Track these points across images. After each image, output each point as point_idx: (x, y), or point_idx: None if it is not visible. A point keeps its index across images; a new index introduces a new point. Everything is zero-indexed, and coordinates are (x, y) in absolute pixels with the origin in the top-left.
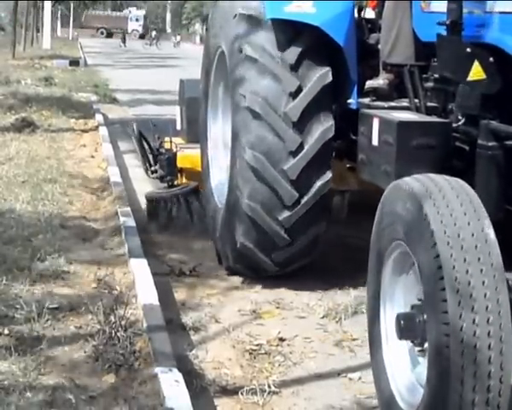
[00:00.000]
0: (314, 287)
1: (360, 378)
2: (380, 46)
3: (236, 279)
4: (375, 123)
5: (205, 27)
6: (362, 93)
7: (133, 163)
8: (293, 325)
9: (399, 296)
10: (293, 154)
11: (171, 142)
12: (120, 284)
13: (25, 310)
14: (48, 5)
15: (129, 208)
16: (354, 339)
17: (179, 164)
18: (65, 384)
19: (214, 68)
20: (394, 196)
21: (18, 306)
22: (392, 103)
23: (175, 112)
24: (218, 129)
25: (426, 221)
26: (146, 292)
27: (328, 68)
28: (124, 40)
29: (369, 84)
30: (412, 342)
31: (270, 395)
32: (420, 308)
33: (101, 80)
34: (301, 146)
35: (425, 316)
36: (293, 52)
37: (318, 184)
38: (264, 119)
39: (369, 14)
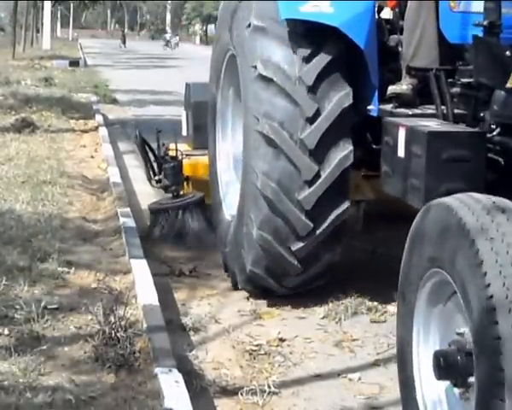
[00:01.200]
0: (314, 287)
1: (360, 379)
2: (401, 49)
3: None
4: (402, 133)
5: (205, 28)
6: (382, 99)
7: (133, 164)
8: (293, 325)
9: (435, 329)
10: (309, 183)
11: (176, 149)
12: (120, 284)
13: (25, 310)
14: (48, 5)
15: (129, 209)
16: (354, 339)
17: (185, 172)
18: (65, 385)
19: (224, 71)
20: (432, 219)
21: (18, 306)
22: (417, 110)
23: (175, 112)
24: (228, 137)
25: (473, 248)
26: (146, 292)
27: (348, 89)
28: (124, 41)
29: (391, 89)
30: (453, 383)
31: (270, 395)
32: (463, 344)
33: (101, 81)
34: (318, 175)
35: (471, 353)
36: (311, 71)
37: (334, 214)
38: (278, 145)
39: (386, 14)
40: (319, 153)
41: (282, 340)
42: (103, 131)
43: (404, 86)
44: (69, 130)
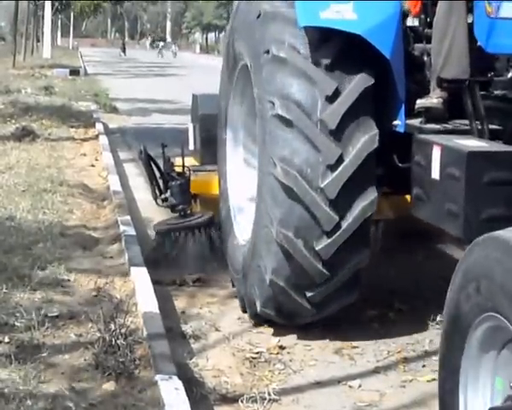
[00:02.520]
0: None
1: (360, 386)
2: (427, 58)
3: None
4: (436, 152)
5: (205, 36)
6: (409, 113)
7: (133, 172)
8: (292, 332)
9: (486, 379)
10: (332, 168)
11: (183, 165)
12: (120, 292)
13: (25, 318)
14: (48, 14)
15: (129, 217)
16: (354, 347)
17: (193, 190)
18: (65, 392)
19: (235, 84)
20: (485, 256)
21: (18, 314)
22: (449, 126)
23: (175, 121)
24: (239, 153)
25: None
26: (146, 300)
27: (375, 131)
28: (123, 49)
29: (420, 103)
30: None
31: (270, 402)
32: None
33: (101, 89)
34: (341, 158)
35: None
36: (328, 51)
37: (361, 204)
38: (296, 127)
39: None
40: (341, 134)
41: (282, 347)
42: (103, 139)
43: (434, 100)
44: (69, 138)
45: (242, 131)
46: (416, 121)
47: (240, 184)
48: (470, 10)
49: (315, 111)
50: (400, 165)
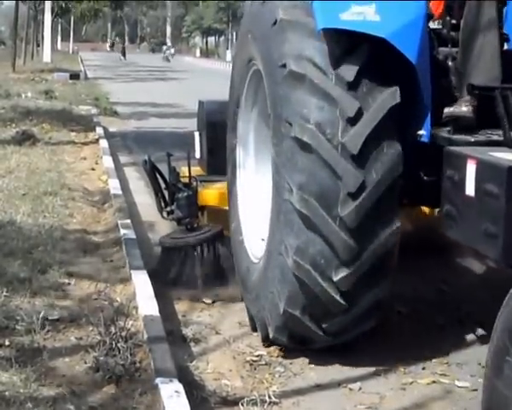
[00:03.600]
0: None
1: (360, 389)
2: (452, 63)
3: (237, 291)
4: (471, 166)
5: (205, 40)
6: (435, 123)
7: (133, 175)
8: None
9: None
10: (353, 196)
11: (189, 175)
12: (121, 295)
13: (25, 321)
14: (48, 19)
15: (129, 220)
16: (354, 350)
17: (201, 202)
18: (65, 395)
19: (246, 90)
20: None
21: (19, 317)
22: (480, 136)
23: (176, 124)
24: (250, 161)
25: None
26: (146, 303)
27: (395, 87)
28: (124, 53)
29: (448, 111)
30: None
31: (271, 405)
32: None
33: (101, 93)
34: (363, 185)
35: None
36: (351, 66)
37: (384, 234)
38: (315, 151)
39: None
40: (364, 159)
41: (282, 350)
42: (104, 143)
43: (463, 108)
44: (70, 142)
45: (253, 139)
46: (442, 131)
47: (251, 195)
48: (501, 11)
49: (335, 134)
50: (425, 178)
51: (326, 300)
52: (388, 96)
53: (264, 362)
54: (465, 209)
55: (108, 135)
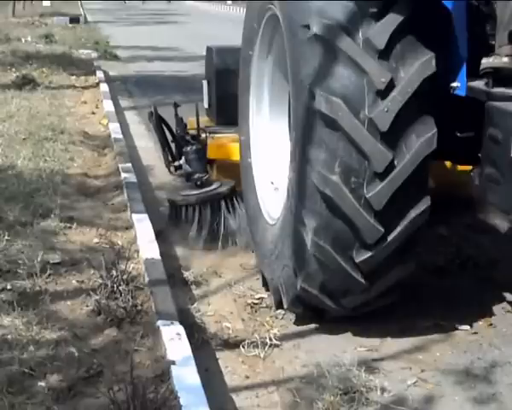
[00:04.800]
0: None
1: (361, 332)
2: (487, 8)
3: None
4: None
5: None
6: (471, 74)
7: (134, 119)
8: None
9: None
10: (381, 176)
11: (198, 127)
12: (122, 238)
13: (27, 265)
14: None
15: (130, 164)
16: None
17: (210, 155)
18: (67, 338)
19: (261, 35)
20: None
21: (20, 261)
22: None
23: (176, 68)
24: (264, 114)
25: None
26: (147, 247)
27: (431, 54)
28: None
29: (486, 62)
30: None
31: (272, 348)
32: None
33: (101, 37)
34: (392, 165)
35: None
36: (382, 32)
37: (412, 215)
38: (339, 126)
39: None
40: (394, 136)
41: None
42: (104, 87)
43: (504, 58)
44: (70, 86)
45: (268, 89)
46: (479, 84)
47: (266, 151)
48: None
49: (363, 108)
50: (459, 134)
51: (346, 279)
52: (423, 66)
53: (265, 305)
54: (510, 173)
55: (109, 79)
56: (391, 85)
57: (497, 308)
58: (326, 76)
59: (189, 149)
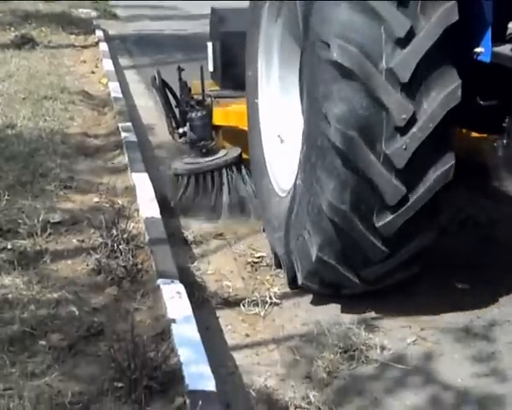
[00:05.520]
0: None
1: (360, 294)
2: None
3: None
4: None
5: None
6: (497, 39)
7: (134, 78)
8: None
9: None
10: (402, 131)
11: (203, 92)
12: (122, 198)
13: (27, 225)
14: None
15: (130, 124)
16: None
17: (216, 121)
18: (68, 297)
19: None
20: None
21: (20, 221)
22: None
23: (176, 27)
24: (274, 80)
25: None
26: (148, 206)
27: (457, 82)
28: None
29: None
30: None
31: (272, 306)
32: None
33: None
34: (413, 119)
35: None
36: (407, 62)
37: (435, 174)
38: (357, 78)
39: None
40: (414, 88)
41: None
42: (104, 46)
43: None
44: (69, 46)
45: (277, 54)
46: (506, 49)
47: (275, 119)
48: None
49: (381, 58)
50: (482, 103)
51: (365, 247)
52: (445, 14)
53: (265, 264)
54: None
55: (108, 38)
56: (412, 120)
57: (496, 267)
58: (342, 26)
59: (193, 115)
